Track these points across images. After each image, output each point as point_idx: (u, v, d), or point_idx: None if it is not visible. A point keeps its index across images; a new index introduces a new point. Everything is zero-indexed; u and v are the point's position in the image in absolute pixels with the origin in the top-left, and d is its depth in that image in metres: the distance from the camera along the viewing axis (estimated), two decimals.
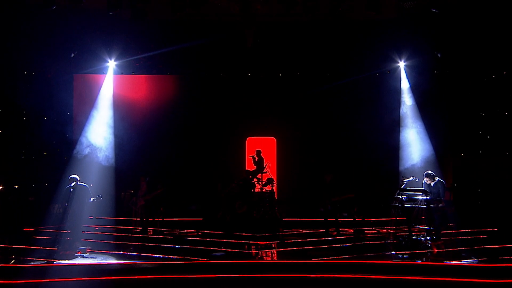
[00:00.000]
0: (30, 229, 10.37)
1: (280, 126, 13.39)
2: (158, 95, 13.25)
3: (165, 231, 10.56)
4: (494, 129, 12.84)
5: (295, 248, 8.82)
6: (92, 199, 8.82)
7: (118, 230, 10.76)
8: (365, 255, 8.14)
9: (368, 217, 11.07)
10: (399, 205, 8.77)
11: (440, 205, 8.80)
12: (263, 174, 11.70)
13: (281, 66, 13.22)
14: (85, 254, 8.18)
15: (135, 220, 10.92)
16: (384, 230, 10.13)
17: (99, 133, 12.63)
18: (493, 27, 11.35)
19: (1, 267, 7.56)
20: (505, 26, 11.23)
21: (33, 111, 12.63)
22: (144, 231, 10.44)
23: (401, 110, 12.89)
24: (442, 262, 7.72)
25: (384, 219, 10.78)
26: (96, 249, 8.58)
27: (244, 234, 10.08)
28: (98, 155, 12.52)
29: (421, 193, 8.67)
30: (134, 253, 8.47)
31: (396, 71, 12.91)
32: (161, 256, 8.18)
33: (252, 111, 13.37)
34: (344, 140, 13.16)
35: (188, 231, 10.70)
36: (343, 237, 9.84)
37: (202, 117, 13.37)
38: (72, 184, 8.66)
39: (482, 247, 8.73)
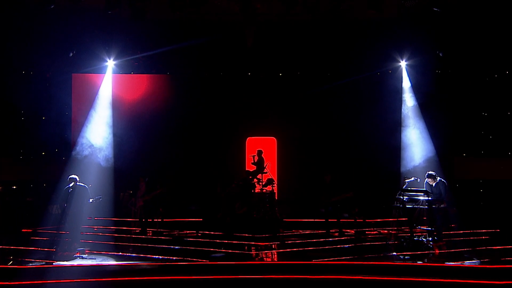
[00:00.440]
0: (28, 230, 10.36)
1: (281, 126, 13.39)
2: (157, 95, 13.24)
3: (165, 232, 10.55)
4: (496, 129, 12.84)
5: (295, 249, 8.82)
6: (91, 200, 8.82)
7: (117, 231, 10.76)
8: (366, 256, 8.13)
9: (369, 218, 11.07)
10: (401, 205, 8.77)
11: (442, 206, 8.79)
12: (263, 174, 11.70)
13: (282, 66, 13.23)
14: (83, 255, 8.18)
15: (134, 220, 10.91)
16: (385, 231, 10.13)
17: (98, 133, 12.63)
18: (495, 26, 11.36)
19: None
20: (507, 25, 11.23)
21: (31, 111, 12.63)
22: (143, 232, 10.43)
23: (402, 110, 12.89)
24: (443, 263, 7.71)
25: (385, 219, 10.77)
26: (95, 250, 8.58)
27: (244, 235, 10.07)
28: (97, 155, 12.52)
29: (422, 193, 8.67)
30: (133, 254, 8.47)
31: (398, 71, 12.91)
32: (160, 257, 8.18)
33: (252, 111, 13.37)
34: (345, 140, 13.16)
35: (188, 232, 10.70)
36: (344, 238, 9.83)
37: (202, 117, 13.37)
38: (71, 185, 8.65)
39: (484, 248, 8.72)
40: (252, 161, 11.93)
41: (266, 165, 11.82)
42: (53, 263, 7.75)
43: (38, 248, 8.68)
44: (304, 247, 8.96)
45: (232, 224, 10.45)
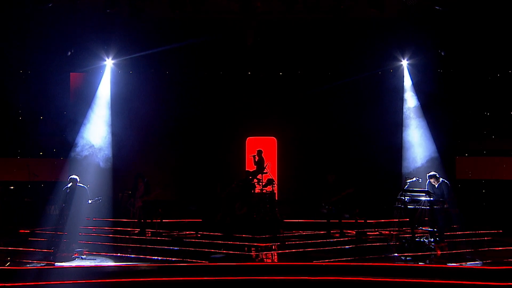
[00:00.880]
0: (26, 231, 10.36)
1: (281, 126, 13.39)
2: (156, 94, 13.24)
3: (164, 232, 10.55)
4: (499, 128, 12.84)
5: (296, 250, 8.82)
6: (90, 201, 8.81)
7: (115, 232, 10.75)
8: (367, 257, 8.12)
9: (370, 219, 11.07)
10: (402, 206, 8.76)
11: (445, 206, 8.78)
12: (263, 174, 11.70)
13: (282, 65, 13.22)
14: (82, 256, 8.17)
15: (133, 221, 10.91)
16: (387, 232, 10.12)
17: (96, 132, 12.62)
18: (497, 24, 11.35)
19: None
20: (509, 24, 11.22)
21: (29, 110, 12.64)
22: (142, 233, 10.42)
23: (403, 110, 12.89)
24: (445, 264, 7.71)
25: (387, 220, 10.77)
26: (94, 251, 8.57)
27: (244, 235, 10.07)
28: (96, 155, 12.51)
29: (424, 194, 8.66)
30: (132, 255, 8.46)
31: (399, 70, 12.91)
32: (159, 258, 8.18)
33: (252, 111, 13.37)
34: (346, 140, 13.16)
35: (187, 232, 10.69)
36: (345, 239, 9.83)
37: (201, 116, 13.37)
38: (69, 185, 8.64)
39: (487, 249, 8.73)
40: (254, 161, 11.92)
41: (266, 165, 11.81)
42: (51, 264, 7.74)
43: (36, 249, 8.67)
44: (305, 248, 8.95)
45: (232, 225, 10.45)
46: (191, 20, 12.01)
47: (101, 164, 12.49)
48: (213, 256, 8.29)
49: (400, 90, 12.92)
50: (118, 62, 12.74)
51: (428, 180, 9.06)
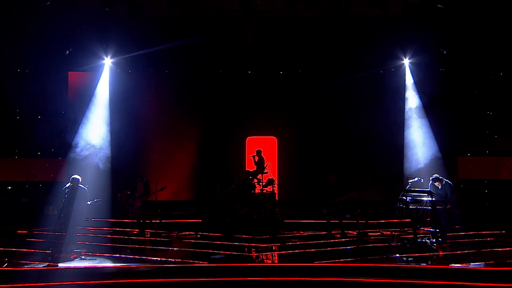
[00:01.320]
0: (24, 231, 10.36)
1: (281, 126, 13.39)
2: (155, 93, 13.25)
3: (163, 233, 10.54)
4: (502, 128, 12.84)
5: (296, 251, 8.82)
6: (89, 202, 8.81)
7: (114, 232, 10.75)
8: (368, 258, 8.12)
9: (372, 219, 11.06)
10: (404, 206, 8.75)
11: (446, 207, 8.78)
12: (263, 174, 11.70)
13: (282, 64, 13.22)
14: (81, 257, 8.17)
15: (131, 221, 10.90)
16: (388, 232, 10.11)
17: (95, 132, 12.62)
18: (500, 23, 11.35)
19: None
20: None
21: (26, 110, 12.64)
22: (141, 233, 10.42)
23: (405, 109, 12.88)
24: (448, 265, 7.71)
25: (388, 221, 10.76)
26: (92, 252, 8.57)
27: (244, 236, 10.07)
28: (94, 155, 12.51)
29: (426, 194, 8.66)
30: (131, 256, 8.46)
31: (401, 69, 12.91)
32: (158, 259, 8.18)
33: (252, 110, 13.37)
34: (347, 140, 13.16)
35: (187, 233, 10.69)
36: (346, 239, 9.83)
37: (201, 116, 13.37)
38: (69, 185, 8.64)
39: (490, 249, 8.72)
40: (254, 161, 11.92)
41: (266, 165, 11.81)
42: (50, 265, 7.74)
43: (34, 250, 8.67)
44: (305, 248, 8.95)
45: (232, 225, 10.45)
46: (190, 18, 12.02)
47: (100, 164, 12.49)
48: (212, 257, 8.29)
49: (402, 89, 12.92)
50: (117, 61, 12.74)
51: (431, 182, 9.06)
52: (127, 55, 12.46)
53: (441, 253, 8.28)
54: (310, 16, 11.78)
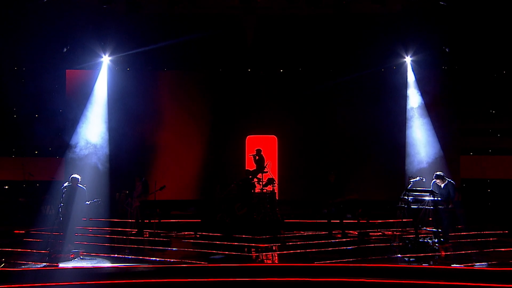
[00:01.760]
0: (21, 231, 10.36)
1: (282, 124, 13.38)
2: (154, 92, 13.24)
3: (162, 233, 10.55)
4: (505, 127, 12.83)
5: (297, 251, 8.82)
6: (88, 202, 8.80)
7: (112, 232, 10.75)
8: (369, 258, 8.13)
9: (373, 219, 11.06)
10: (405, 206, 8.75)
11: (448, 206, 8.78)
12: (263, 174, 11.69)
13: (283, 62, 13.22)
14: (79, 257, 8.17)
15: (130, 221, 10.91)
16: (390, 232, 10.12)
17: (93, 131, 12.62)
18: (503, 20, 11.34)
19: None
20: None
21: (23, 108, 12.62)
22: (139, 233, 10.43)
23: (407, 108, 12.88)
24: (450, 265, 7.71)
25: (390, 220, 10.76)
26: (90, 252, 8.57)
27: (244, 236, 10.07)
28: (92, 154, 12.51)
29: (428, 193, 8.65)
30: (130, 256, 8.46)
31: (402, 67, 12.90)
32: (157, 259, 8.18)
33: (252, 109, 13.37)
34: (348, 139, 13.16)
35: (186, 233, 10.70)
36: (347, 239, 9.83)
37: (200, 114, 13.36)
38: (68, 184, 8.63)
39: (492, 250, 8.72)
40: (254, 160, 11.92)
41: (266, 164, 11.81)
42: (47, 265, 7.74)
43: (32, 250, 8.67)
44: (306, 248, 8.95)
45: (232, 225, 10.45)
46: (189, 16, 12.01)
47: (98, 163, 12.49)
48: (212, 257, 8.28)
49: (404, 88, 12.91)
50: (115, 59, 12.74)
51: (433, 180, 9.05)
52: (126, 53, 12.45)
53: (443, 253, 8.28)
54: (310, 13, 11.77)
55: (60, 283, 7.18)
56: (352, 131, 13.10)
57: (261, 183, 11.42)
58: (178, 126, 13.32)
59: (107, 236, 10.36)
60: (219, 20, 12.15)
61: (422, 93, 12.69)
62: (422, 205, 8.63)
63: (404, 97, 12.92)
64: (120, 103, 12.94)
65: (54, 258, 7.98)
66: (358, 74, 12.79)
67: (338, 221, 10.20)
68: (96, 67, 12.79)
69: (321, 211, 10.69)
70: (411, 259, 8.01)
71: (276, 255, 8.82)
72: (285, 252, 8.87)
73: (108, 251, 8.80)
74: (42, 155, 12.92)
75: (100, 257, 8.31)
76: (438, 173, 9.09)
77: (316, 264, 7.76)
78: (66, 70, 12.98)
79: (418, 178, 9.27)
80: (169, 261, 8.04)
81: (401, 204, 8.87)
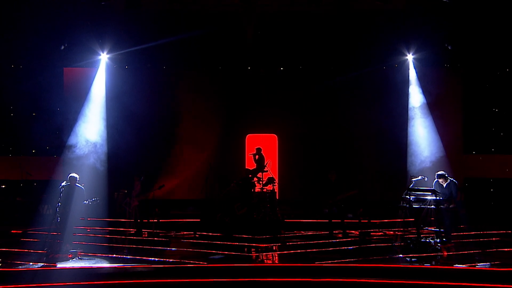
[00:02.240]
0: (18, 231, 10.37)
1: (282, 123, 13.38)
2: (153, 89, 13.22)
3: (161, 233, 10.56)
4: (508, 125, 12.82)
5: (297, 251, 8.83)
6: (86, 202, 8.80)
7: (111, 232, 10.76)
8: (371, 258, 8.13)
9: (374, 219, 11.06)
10: (407, 205, 8.76)
11: (450, 206, 8.79)
12: (263, 173, 11.69)
13: (283, 60, 13.21)
14: (77, 257, 8.18)
15: (129, 221, 10.91)
16: (391, 232, 10.13)
17: (91, 130, 12.61)
18: (506, 17, 11.33)
19: None
20: None
21: (21, 107, 12.62)
22: (138, 233, 10.43)
23: (409, 106, 12.87)
24: (452, 265, 7.71)
25: (391, 220, 10.77)
26: (88, 252, 8.58)
27: (243, 236, 10.07)
28: (91, 153, 12.50)
29: (430, 193, 8.65)
30: (128, 256, 8.46)
31: (404, 65, 12.89)
32: (156, 259, 8.18)
33: (252, 107, 13.36)
34: (349, 138, 13.16)
35: (185, 233, 10.70)
36: (348, 239, 9.83)
37: (199, 113, 13.35)
38: (66, 184, 8.64)
39: (495, 250, 8.72)
40: (254, 160, 11.92)
41: (266, 164, 11.81)
42: (45, 266, 7.75)
43: (29, 250, 8.67)
44: (306, 248, 8.96)
45: (232, 225, 10.45)
46: (188, 13, 11.99)
47: (96, 162, 12.49)
48: (212, 257, 8.29)
49: (405, 86, 12.90)
50: (114, 57, 12.72)
51: (436, 180, 9.05)
52: (124, 51, 12.43)
53: (445, 253, 8.29)
54: (311, 10, 11.76)
55: (58, 284, 7.18)
56: (353, 130, 13.10)
57: (261, 182, 11.43)
58: (177, 124, 13.31)
59: (106, 236, 10.36)
60: (219, 17, 12.13)
61: (424, 92, 12.68)
62: (424, 205, 8.64)
63: (405, 95, 12.91)
64: (119, 101, 12.92)
65: (52, 258, 7.99)
66: (360, 72, 12.78)
67: (339, 220, 10.21)
68: (94, 65, 12.77)
69: (322, 211, 10.69)
70: (413, 259, 8.02)
71: (276, 255, 8.83)
72: (285, 252, 8.88)
73: (106, 251, 8.81)
74: (39, 154, 12.92)
75: (98, 257, 8.32)
76: (440, 172, 9.10)
77: (316, 264, 7.77)
78: (64, 68, 12.96)
79: (420, 178, 9.28)
80: (168, 261, 8.05)
81: (403, 203, 8.88)
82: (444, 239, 8.62)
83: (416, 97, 12.78)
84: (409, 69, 12.84)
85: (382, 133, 12.76)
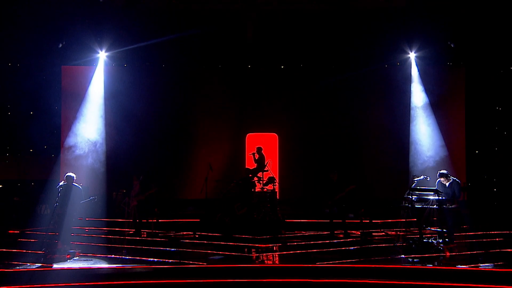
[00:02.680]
0: (16, 231, 10.36)
1: (282, 122, 13.38)
2: (152, 88, 13.22)
3: (160, 233, 10.55)
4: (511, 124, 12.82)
5: (298, 252, 8.82)
6: (82, 201, 8.80)
7: (109, 232, 10.76)
8: (372, 258, 8.12)
9: (376, 219, 11.06)
10: (409, 205, 8.74)
11: (453, 206, 8.77)
12: (264, 172, 11.68)
13: (283, 58, 13.21)
14: (74, 258, 8.17)
15: (127, 221, 10.90)
16: (393, 232, 10.11)
17: (89, 128, 12.62)
18: (510, 15, 11.31)
19: None
20: None
21: (18, 105, 12.62)
22: (137, 233, 10.43)
23: (411, 105, 12.86)
24: (455, 266, 7.70)
25: (393, 220, 10.76)
26: (87, 252, 8.57)
27: (244, 236, 10.07)
28: (89, 152, 12.50)
29: (432, 192, 8.64)
30: (127, 257, 8.46)
31: (406, 63, 12.89)
32: (155, 259, 8.18)
33: (252, 106, 13.36)
34: (350, 137, 13.16)
35: (184, 233, 10.70)
36: (350, 240, 9.83)
37: (199, 112, 13.35)
38: (61, 183, 8.63)
39: (498, 250, 8.71)
40: (254, 159, 11.90)
41: (267, 163, 11.80)
42: (43, 266, 7.74)
43: (27, 250, 8.67)
44: (307, 249, 8.95)
45: (232, 225, 10.45)
46: (188, 11, 11.99)
47: (95, 161, 12.48)
48: (211, 257, 8.29)
49: (408, 84, 12.89)
50: (112, 55, 12.72)
51: (438, 179, 9.04)
52: (123, 49, 12.43)
53: (448, 254, 8.28)
54: (312, 8, 11.75)
55: (55, 284, 7.18)
56: (355, 129, 13.10)
57: (261, 182, 11.42)
58: (176, 123, 13.31)
59: (104, 236, 10.36)
60: (219, 15, 12.13)
61: (426, 90, 12.67)
62: (427, 205, 8.62)
63: (408, 94, 12.91)
64: (117, 100, 12.93)
65: (50, 258, 7.98)
66: (361, 71, 12.79)
67: (340, 221, 10.20)
68: (93, 63, 12.78)
69: (323, 211, 10.68)
70: (415, 260, 8.01)
71: (276, 255, 8.82)
72: (286, 252, 8.87)
73: (105, 252, 8.80)
74: (37, 154, 12.91)
75: (96, 258, 8.31)
76: (442, 171, 9.08)
77: (317, 265, 7.76)
78: (62, 66, 12.97)
79: (422, 177, 9.25)
80: (167, 261, 8.04)
81: (405, 203, 8.86)
82: (446, 240, 8.60)
83: (418, 95, 12.78)
84: (411, 67, 12.84)
85: (384, 132, 12.76)
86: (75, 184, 8.67)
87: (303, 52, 12.96)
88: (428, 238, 8.72)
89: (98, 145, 12.68)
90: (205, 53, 12.97)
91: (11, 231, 10.42)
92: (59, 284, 7.19)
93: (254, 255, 8.82)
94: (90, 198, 9.03)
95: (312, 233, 10.56)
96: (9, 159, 12.83)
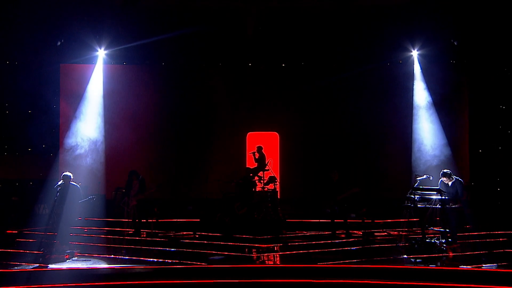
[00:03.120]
0: (14, 231, 10.36)
1: (283, 121, 13.37)
2: (151, 87, 13.22)
3: (160, 233, 10.56)
4: None
5: (299, 252, 8.82)
6: (81, 201, 8.80)
7: (109, 232, 10.76)
8: (374, 259, 8.12)
9: (378, 219, 11.06)
10: (412, 205, 8.73)
11: (456, 205, 8.76)
12: (264, 172, 11.68)
13: (284, 56, 13.20)
14: (73, 258, 8.17)
15: (127, 221, 10.90)
16: (395, 232, 10.10)
17: (88, 127, 12.62)
18: None
19: None
20: None
21: (16, 104, 12.62)
22: (136, 233, 10.43)
23: (414, 103, 12.84)
24: (458, 267, 7.69)
25: (395, 220, 10.75)
26: (86, 253, 8.57)
27: (244, 236, 10.07)
28: (87, 151, 12.50)
29: (435, 192, 8.62)
30: (126, 257, 8.46)
31: (409, 61, 12.87)
32: (155, 260, 8.18)
33: (253, 104, 13.36)
34: (352, 136, 13.15)
35: (184, 233, 10.69)
36: (351, 240, 9.82)
37: (199, 110, 13.35)
38: (59, 183, 8.63)
39: (502, 250, 8.70)
40: (254, 159, 11.90)
41: (267, 162, 11.80)
42: (41, 267, 7.74)
43: (24, 250, 8.67)
44: (309, 249, 8.95)
45: (232, 225, 10.45)
46: (188, 8, 11.98)
47: (93, 161, 12.48)
48: (212, 257, 8.29)
49: (410, 82, 12.88)
50: (111, 53, 12.71)
51: (440, 178, 9.02)
52: (122, 47, 12.42)
53: (451, 254, 8.27)
54: (313, 5, 11.73)
55: (54, 285, 7.18)
56: (356, 127, 13.09)
57: (262, 181, 11.42)
58: (176, 122, 13.30)
59: (103, 236, 10.37)
60: (219, 13, 12.12)
61: (429, 88, 12.65)
62: (429, 204, 8.61)
63: (410, 92, 12.90)
64: (116, 98, 12.94)
65: (48, 259, 7.98)
66: (363, 69, 12.78)
67: (342, 220, 10.20)
68: (91, 61, 12.77)
69: (324, 211, 10.68)
70: (417, 260, 8.00)
71: (277, 255, 8.82)
72: (287, 252, 8.87)
73: (104, 252, 8.81)
74: (35, 153, 12.90)
75: (95, 258, 8.31)
76: (445, 170, 9.06)
77: (319, 265, 7.75)
78: (60, 65, 12.97)
79: (425, 176, 9.23)
80: (167, 262, 8.04)
81: (407, 203, 8.85)
82: (449, 240, 8.60)
83: (421, 93, 12.77)
84: (413, 65, 12.82)
85: (386, 130, 12.75)
86: (73, 183, 8.67)
87: (304, 50, 12.95)
88: (431, 238, 8.70)
89: (96, 143, 12.68)
90: (205, 51, 12.97)
91: (9, 231, 10.40)
92: (58, 285, 7.19)
93: (255, 255, 8.82)
94: (88, 197, 9.03)
95: (313, 233, 10.56)
96: (7, 158, 12.83)
